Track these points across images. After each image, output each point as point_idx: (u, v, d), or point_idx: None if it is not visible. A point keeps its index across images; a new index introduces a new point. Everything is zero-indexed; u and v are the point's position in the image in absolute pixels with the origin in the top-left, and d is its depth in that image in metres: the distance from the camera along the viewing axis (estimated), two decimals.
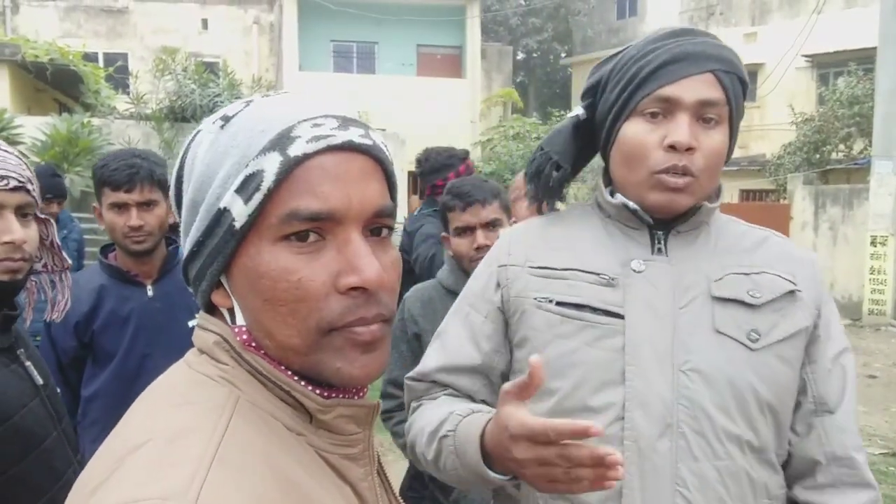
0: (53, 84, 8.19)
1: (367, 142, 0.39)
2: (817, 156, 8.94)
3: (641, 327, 0.67)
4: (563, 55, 17.03)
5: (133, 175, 1.20)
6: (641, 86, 0.67)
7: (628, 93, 0.68)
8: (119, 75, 8.80)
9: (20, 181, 0.80)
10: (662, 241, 0.71)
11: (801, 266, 0.72)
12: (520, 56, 16.51)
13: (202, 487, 0.32)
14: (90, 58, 8.68)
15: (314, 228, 0.37)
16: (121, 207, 1.22)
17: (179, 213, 0.42)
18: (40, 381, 0.84)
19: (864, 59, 9.39)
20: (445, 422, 0.68)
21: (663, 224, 0.71)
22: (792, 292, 0.69)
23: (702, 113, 0.67)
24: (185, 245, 0.41)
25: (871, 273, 7.01)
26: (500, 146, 9.29)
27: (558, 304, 0.69)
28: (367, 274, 0.37)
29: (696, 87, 0.66)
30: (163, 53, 7.74)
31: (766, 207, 8.74)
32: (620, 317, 0.67)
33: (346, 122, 0.39)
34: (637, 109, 0.68)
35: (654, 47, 0.68)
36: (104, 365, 1.25)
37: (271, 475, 0.35)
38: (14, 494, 0.77)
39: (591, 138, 0.76)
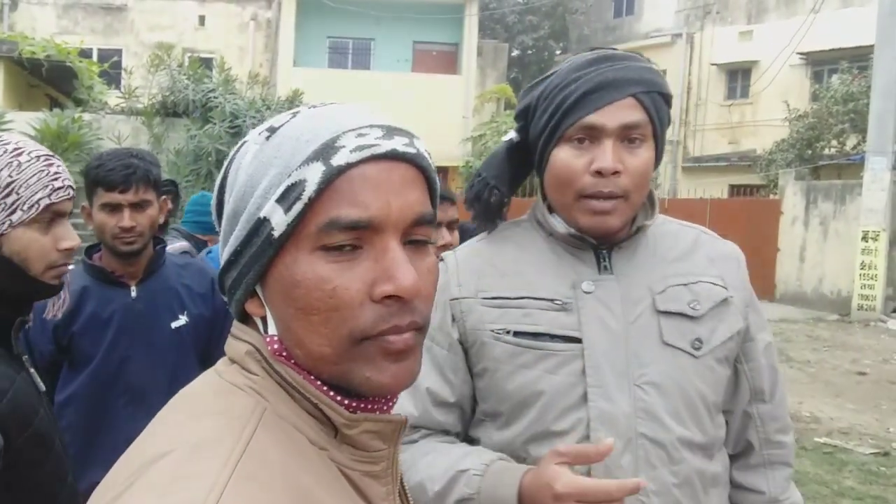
0: (47, 80, 8.23)
1: (411, 150, 0.40)
2: (809, 152, 8.93)
3: (599, 348, 0.70)
4: (558, 52, 17.04)
5: (129, 176, 1.18)
6: (567, 115, 0.70)
7: (555, 121, 0.71)
8: (114, 71, 8.84)
9: (74, 189, 0.83)
10: (607, 258, 0.74)
11: (728, 266, 0.77)
12: (514, 53, 16.51)
13: (219, 501, 0.32)
14: (85, 54, 8.72)
15: (353, 237, 0.38)
16: (113, 208, 1.19)
17: (219, 223, 0.42)
18: (42, 387, 0.86)
19: (859, 58, 9.39)
20: (455, 481, 0.67)
21: (606, 240, 0.74)
22: (725, 299, 0.74)
23: (626, 135, 0.70)
24: (223, 254, 0.42)
25: (862, 268, 6.99)
26: (491, 142, 9.30)
27: (516, 334, 0.71)
28: (404, 282, 0.37)
29: (618, 113, 0.69)
30: (158, 49, 7.76)
31: (756, 202, 8.74)
32: (577, 340, 0.70)
33: (390, 132, 0.39)
34: (565, 136, 0.71)
35: (577, 76, 0.71)
36: (81, 368, 1.22)
37: (288, 490, 0.35)
38: (34, 499, 0.79)
39: (525, 158, 0.79)
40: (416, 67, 11.86)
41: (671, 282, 0.74)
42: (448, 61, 11.95)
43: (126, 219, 1.19)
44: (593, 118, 0.69)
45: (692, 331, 0.72)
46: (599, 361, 0.70)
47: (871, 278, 6.95)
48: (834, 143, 8.91)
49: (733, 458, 0.78)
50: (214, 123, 6.71)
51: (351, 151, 0.37)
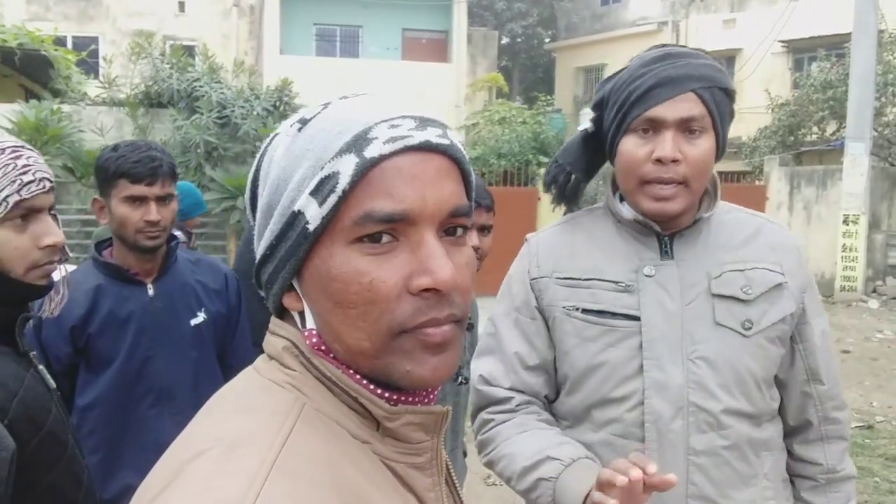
0: (21, 69, 7.90)
1: (445, 141, 0.39)
2: (792, 138, 9.15)
3: (655, 326, 0.78)
4: (546, 40, 17.01)
5: (156, 168, 1.15)
6: (632, 108, 0.77)
7: (622, 113, 0.78)
8: (92, 60, 8.53)
9: (51, 181, 0.78)
10: (669, 245, 0.81)
11: (788, 255, 0.83)
12: (504, 41, 16.43)
13: (258, 497, 0.31)
14: (60, 42, 8.37)
15: (388, 230, 0.37)
16: (137, 201, 1.15)
17: (254, 217, 0.42)
18: (53, 384, 0.82)
19: (836, 45, 9.59)
20: (542, 464, 0.75)
21: (669, 227, 0.81)
22: (780, 284, 0.80)
23: (685, 127, 0.76)
24: (259, 249, 0.41)
25: (843, 251, 7.24)
26: (485, 130, 9.26)
27: (583, 311, 0.81)
28: (441, 275, 0.37)
29: (678, 107, 0.75)
30: (137, 37, 7.50)
31: (743, 189, 8.90)
32: (637, 318, 0.78)
33: (423, 122, 0.39)
34: (630, 127, 0.78)
35: (644, 72, 0.77)
36: (100, 370, 1.18)
37: (331, 484, 0.34)
38: (50, 502, 0.76)
39: (600, 146, 0.85)
40: (406, 55, 11.69)
41: (727, 267, 0.80)
42: (438, 49, 11.82)
43: (153, 212, 1.16)
44: (655, 111, 0.75)
45: (743, 313, 0.78)
46: (655, 337, 0.77)
47: (853, 260, 7.20)
48: (815, 129, 9.13)
49: (793, 432, 0.85)
50: (201, 114, 6.54)
51: (384, 143, 0.37)
